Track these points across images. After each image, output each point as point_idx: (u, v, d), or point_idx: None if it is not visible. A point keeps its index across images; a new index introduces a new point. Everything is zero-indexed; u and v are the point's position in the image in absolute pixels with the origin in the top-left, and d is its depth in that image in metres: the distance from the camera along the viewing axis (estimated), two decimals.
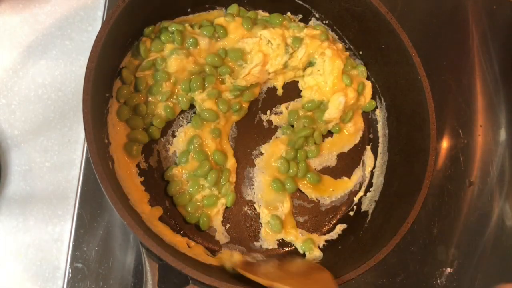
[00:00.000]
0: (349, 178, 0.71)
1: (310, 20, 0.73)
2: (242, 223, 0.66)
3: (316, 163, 0.70)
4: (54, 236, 0.64)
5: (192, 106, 0.66)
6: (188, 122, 0.65)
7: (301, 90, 0.72)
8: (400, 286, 0.73)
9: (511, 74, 0.87)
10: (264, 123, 0.70)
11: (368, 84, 0.72)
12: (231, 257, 0.61)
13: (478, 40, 0.87)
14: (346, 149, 0.72)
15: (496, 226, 0.77)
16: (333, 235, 0.68)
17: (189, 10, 0.69)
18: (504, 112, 0.85)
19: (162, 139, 0.64)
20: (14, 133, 0.65)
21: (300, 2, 0.71)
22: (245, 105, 0.68)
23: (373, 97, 0.73)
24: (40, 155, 0.65)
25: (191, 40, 0.64)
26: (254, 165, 0.67)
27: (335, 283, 0.55)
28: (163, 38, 0.64)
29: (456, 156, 0.80)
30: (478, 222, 0.78)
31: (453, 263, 0.75)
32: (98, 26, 0.71)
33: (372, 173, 0.71)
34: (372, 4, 0.65)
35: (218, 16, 0.68)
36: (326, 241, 0.67)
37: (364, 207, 0.69)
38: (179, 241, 0.60)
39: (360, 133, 0.73)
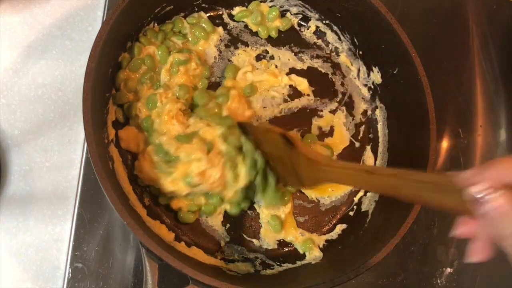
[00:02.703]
0: None
1: (310, 20, 0.73)
2: (242, 223, 0.66)
3: None
4: (54, 236, 0.64)
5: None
6: None
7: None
8: (400, 286, 0.73)
9: (511, 74, 0.87)
10: None
11: None
12: None
13: (478, 40, 0.87)
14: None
15: None
16: (333, 235, 0.68)
17: (189, 10, 0.69)
18: (504, 112, 0.84)
19: None
20: (14, 133, 0.65)
21: (300, 2, 0.71)
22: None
23: (373, 97, 0.73)
24: (40, 155, 0.65)
25: None
26: None
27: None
28: None
29: (456, 156, 0.80)
30: None
31: (453, 263, 0.75)
32: (98, 26, 0.71)
33: None
34: (372, 4, 0.65)
35: None
36: (326, 241, 0.67)
37: (364, 207, 0.69)
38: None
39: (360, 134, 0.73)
